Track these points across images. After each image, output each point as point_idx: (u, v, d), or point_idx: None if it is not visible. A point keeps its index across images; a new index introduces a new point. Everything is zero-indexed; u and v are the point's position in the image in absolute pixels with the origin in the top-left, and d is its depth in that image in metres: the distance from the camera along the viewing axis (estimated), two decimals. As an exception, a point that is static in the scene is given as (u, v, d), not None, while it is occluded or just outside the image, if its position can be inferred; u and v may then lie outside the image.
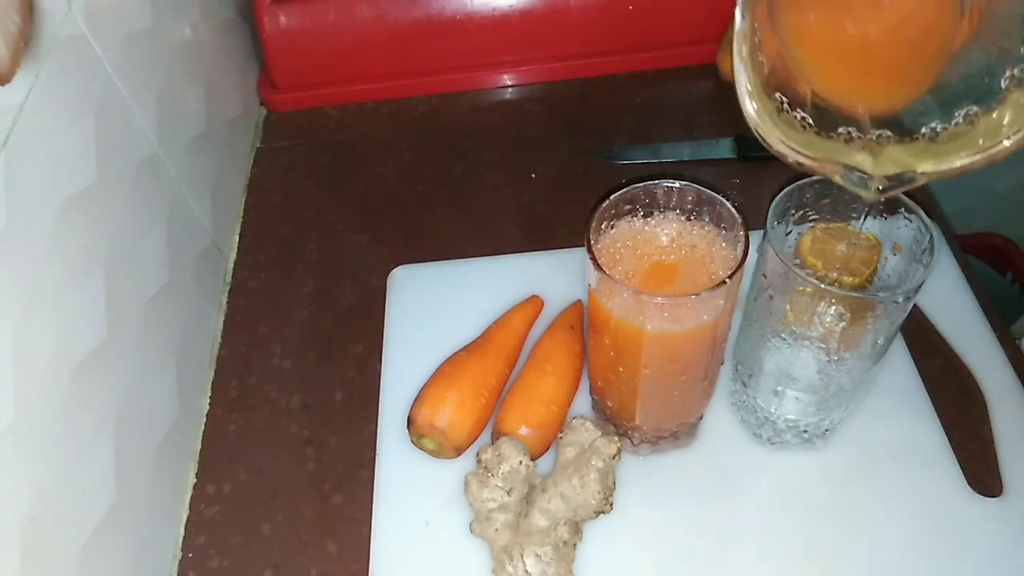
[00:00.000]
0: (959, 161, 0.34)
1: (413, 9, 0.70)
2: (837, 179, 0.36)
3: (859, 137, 0.35)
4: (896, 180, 0.35)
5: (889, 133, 0.34)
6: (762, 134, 0.36)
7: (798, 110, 0.35)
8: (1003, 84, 0.32)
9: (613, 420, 0.48)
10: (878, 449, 0.49)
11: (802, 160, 0.36)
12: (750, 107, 0.36)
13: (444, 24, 0.71)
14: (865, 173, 0.35)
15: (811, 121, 0.35)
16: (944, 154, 0.34)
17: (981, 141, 0.33)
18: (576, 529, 0.45)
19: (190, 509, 0.51)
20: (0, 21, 0.36)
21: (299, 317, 0.59)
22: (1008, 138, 0.32)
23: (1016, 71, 0.31)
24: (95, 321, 0.43)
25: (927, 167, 0.34)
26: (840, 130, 0.35)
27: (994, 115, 0.32)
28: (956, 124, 0.33)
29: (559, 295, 0.56)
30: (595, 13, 0.71)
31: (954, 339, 0.53)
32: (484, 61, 0.74)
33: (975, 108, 0.32)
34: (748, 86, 0.36)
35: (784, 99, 0.35)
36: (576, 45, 0.73)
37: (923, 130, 0.34)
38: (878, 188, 0.35)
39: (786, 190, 0.40)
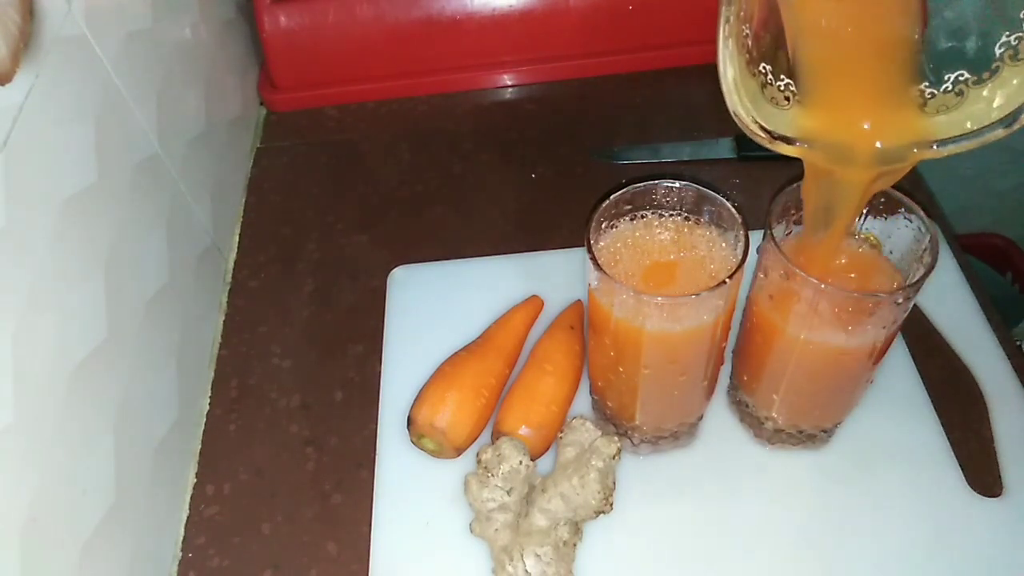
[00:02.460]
0: (949, 145, 0.33)
1: (413, 9, 0.70)
2: (822, 160, 0.36)
3: None
4: (882, 157, 0.34)
5: None
6: (744, 121, 0.36)
7: (782, 78, 0.35)
8: (997, 52, 0.30)
9: (613, 420, 0.48)
10: (878, 449, 0.49)
11: (785, 145, 0.36)
12: (733, 95, 0.35)
13: (444, 24, 0.71)
14: (850, 150, 0.35)
15: (794, 88, 0.35)
16: (932, 132, 0.33)
17: (969, 124, 0.32)
18: (576, 529, 0.45)
19: (190, 509, 0.51)
20: (0, 21, 0.36)
21: (299, 317, 0.59)
22: (997, 124, 0.31)
23: (1012, 39, 0.30)
24: (95, 321, 0.43)
25: (913, 142, 0.33)
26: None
27: (984, 92, 0.31)
28: (945, 91, 0.32)
29: (559, 295, 0.56)
30: (595, 13, 0.71)
31: (954, 339, 0.53)
32: (484, 61, 0.74)
33: (966, 74, 0.31)
34: (731, 69, 0.35)
35: (768, 69, 0.35)
36: (576, 45, 0.73)
37: (912, 91, 0.33)
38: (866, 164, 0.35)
39: (786, 190, 0.40)
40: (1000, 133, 0.32)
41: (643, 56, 0.74)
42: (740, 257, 0.38)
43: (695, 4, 0.71)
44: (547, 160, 0.68)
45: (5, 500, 0.34)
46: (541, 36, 0.72)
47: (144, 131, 0.51)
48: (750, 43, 0.35)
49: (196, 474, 0.52)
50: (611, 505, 0.44)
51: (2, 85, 0.36)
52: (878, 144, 0.33)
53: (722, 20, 0.34)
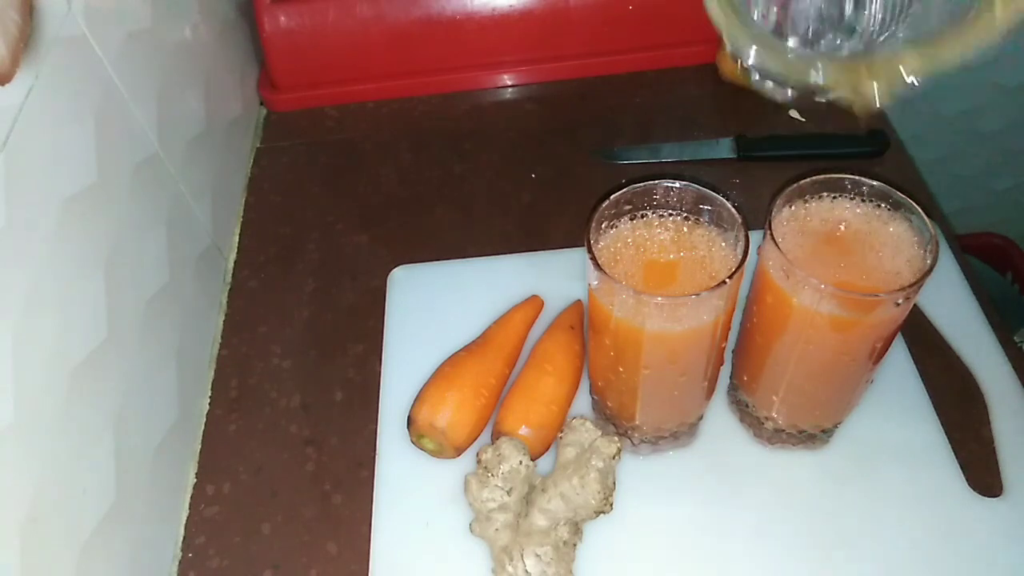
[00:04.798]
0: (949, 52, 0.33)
1: (413, 9, 0.70)
2: (816, 79, 0.36)
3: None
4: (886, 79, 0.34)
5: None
6: (736, 44, 0.36)
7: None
8: None
9: (613, 420, 0.48)
10: (878, 449, 0.49)
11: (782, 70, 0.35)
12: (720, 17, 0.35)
13: (444, 24, 0.71)
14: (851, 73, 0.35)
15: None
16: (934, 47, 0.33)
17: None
18: (576, 529, 0.45)
19: (190, 509, 0.51)
20: (0, 21, 0.36)
21: (299, 317, 0.59)
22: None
23: None
24: (95, 321, 0.43)
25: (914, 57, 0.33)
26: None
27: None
28: None
29: (559, 295, 0.56)
30: (595, 13, 0.71)
31: (954, 339, 0.53)
32: (484, 61, 0.74)
33: None
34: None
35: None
36: (576, 45, 0.73)
37: None
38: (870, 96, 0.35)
39: (786, 190, 0.40)
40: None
41: (643, 56, 0.74)
42: (740, 257, 0.38)
43: (695, 4, 0.71)
44: (547, 160, 0.68)
45: (5, 500, 0.34)
46: (541, 36, 0.72)
47: (144, 131, 0.51)
48: None
49: (196, 474, 0.52)
50: (611, 505, 0.44)
51: (2, 85, 0.36)
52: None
53: None
